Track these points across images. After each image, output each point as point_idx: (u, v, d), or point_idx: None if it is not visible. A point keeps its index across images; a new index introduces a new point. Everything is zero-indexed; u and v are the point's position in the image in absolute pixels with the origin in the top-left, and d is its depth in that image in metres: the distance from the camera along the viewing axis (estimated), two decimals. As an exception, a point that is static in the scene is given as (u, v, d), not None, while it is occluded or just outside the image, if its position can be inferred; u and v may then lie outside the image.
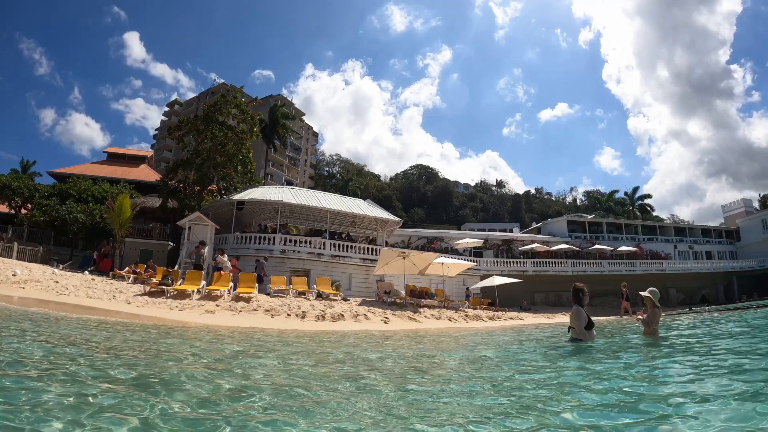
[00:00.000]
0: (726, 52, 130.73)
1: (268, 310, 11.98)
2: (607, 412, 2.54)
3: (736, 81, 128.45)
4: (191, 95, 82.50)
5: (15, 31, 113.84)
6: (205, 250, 16.53)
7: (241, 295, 13.54)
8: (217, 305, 11.93)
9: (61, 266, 17.79)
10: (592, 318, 6.31)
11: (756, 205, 59.05)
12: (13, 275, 12.20)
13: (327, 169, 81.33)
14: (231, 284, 14.28)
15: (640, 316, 7.10)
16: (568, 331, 6.34)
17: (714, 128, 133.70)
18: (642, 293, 6.64)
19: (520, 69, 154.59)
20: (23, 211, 26.64)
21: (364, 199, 30.37)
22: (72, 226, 23.33)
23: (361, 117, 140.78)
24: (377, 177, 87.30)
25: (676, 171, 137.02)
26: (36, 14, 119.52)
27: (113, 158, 37.57)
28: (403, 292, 18.41)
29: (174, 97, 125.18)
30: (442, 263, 21.01)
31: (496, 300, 23.32)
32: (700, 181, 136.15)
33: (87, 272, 16.56)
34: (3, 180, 26.07)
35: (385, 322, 13.31)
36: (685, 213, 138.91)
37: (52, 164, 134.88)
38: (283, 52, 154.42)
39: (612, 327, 11.36)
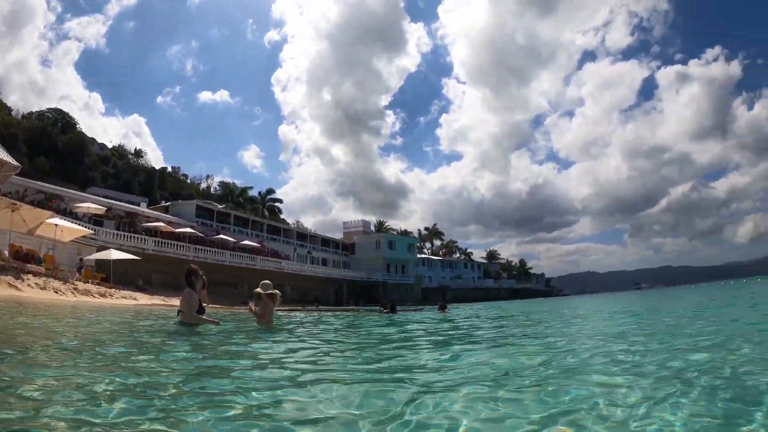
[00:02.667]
0: (387, 98, 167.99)
1: None
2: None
3: (387, 124, 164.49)
4: None
5: None
6: None
7: None
8: None
9: None
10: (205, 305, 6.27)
11: (373, 228, 69.46)
12: None
13: (-51, 86, 54.66)
14: None
15: (252, 307, 7.28)
16: (177, 314, 6.06)
17: (355, 156, 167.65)
18: (257, 290, 6.88)
19: (198, 43, 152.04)
20: None
21: (-14, 134, 24.19)
22: None
23: (14, 32, 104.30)
24: (8, 110, 67.60)
25: (310, 183, 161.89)
26: None
27: None
28: (6, 253, 16.92)
29: None
30: (56, 225, 19.59)
31: (111, 275, 22.90)
32: (330, 197, 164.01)
33: None
34: None
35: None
36: (310, 222, 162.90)
37: None
38: None
39: (226, 314, 12.20)
